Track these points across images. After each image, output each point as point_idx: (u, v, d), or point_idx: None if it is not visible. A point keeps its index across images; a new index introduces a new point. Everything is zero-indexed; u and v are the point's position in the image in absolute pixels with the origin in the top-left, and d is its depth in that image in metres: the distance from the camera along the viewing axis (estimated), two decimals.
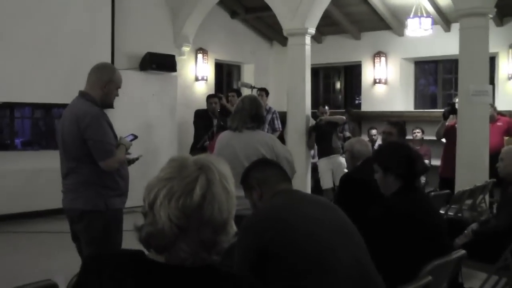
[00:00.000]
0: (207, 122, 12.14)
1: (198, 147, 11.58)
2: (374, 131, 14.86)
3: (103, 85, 5.21)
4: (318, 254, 3.14)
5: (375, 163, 4.72)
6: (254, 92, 11.60)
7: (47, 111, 13.27)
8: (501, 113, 11.38)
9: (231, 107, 11.39)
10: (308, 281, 3.08)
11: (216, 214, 2.06)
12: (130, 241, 2.42)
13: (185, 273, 2.07)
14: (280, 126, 12.64)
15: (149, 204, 2.08)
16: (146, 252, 2.15)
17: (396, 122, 7.57)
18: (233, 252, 3.36)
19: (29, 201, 11.35)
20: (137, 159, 5.64)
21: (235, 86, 17.25)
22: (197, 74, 15.95)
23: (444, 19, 14.70)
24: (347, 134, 13.76)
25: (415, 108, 16.35)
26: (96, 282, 2.10)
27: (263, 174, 3.78)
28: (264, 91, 12.60)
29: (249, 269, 3.17)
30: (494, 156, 9.07)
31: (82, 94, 5.26)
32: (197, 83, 15.97)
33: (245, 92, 13.26)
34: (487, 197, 9.29)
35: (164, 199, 2.04)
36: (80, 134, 5.02)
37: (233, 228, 2.16)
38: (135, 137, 5.67)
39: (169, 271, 2.07)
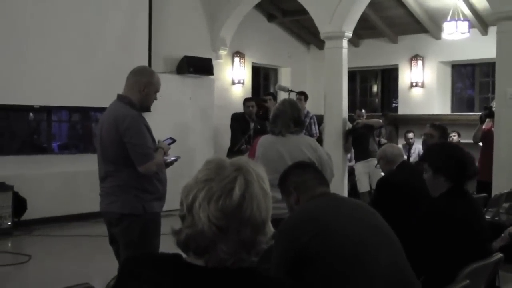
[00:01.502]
0: (244, 126, 12.12)
1: (235, 150, 11.56)
2: (411, 135, 14.75)
3: (142, 88, 5.21)
4: (356, 257, 3.13)
5: (425, 162, 4.65)
6: (292, 95, 11.55)
7: (84, 115, 13.35)
8: None
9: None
10: (346, 285, 3.07)
11: (256, 214, 2.06)
12: (167, 245, 2.43)
13: (225, 276, 2.07)
14: (317, 131, 12.62)
15: (188, 207, 2.08)
16: (183, 255, 2.16)
17: (438, 125, 7.50)
18: (270, 256, 3.37)
19: (66, 205, 11.45)
20: (175, 160, 5.64)
21: (271, 90, 17.27)
22: (234, 78, 15.98)
23: (481, 22, 14.61)
24: (383, 140, 13.65)
25: (452, 112, 16.28)
26: (134, 285, 2.11)
27: (301, 178, 3.77)
28: (303, 95, 12.57)
29: (287, 272, 3.17)
30: None
31: (120, 98, 5.27)
32: (234, 86, 16.00)
33: (282, 95, 13.23)
34: None
35: (203, 201, 2.04)
36: (118, 138, 5.03)
37: (271, 228, 2.17)
38: (174, 140, 5.68)
39: (209, 274, 2.07)
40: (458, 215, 4.16)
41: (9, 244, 10.12)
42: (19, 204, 10.74)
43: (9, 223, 10.50)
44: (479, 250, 4.07)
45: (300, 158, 5.38)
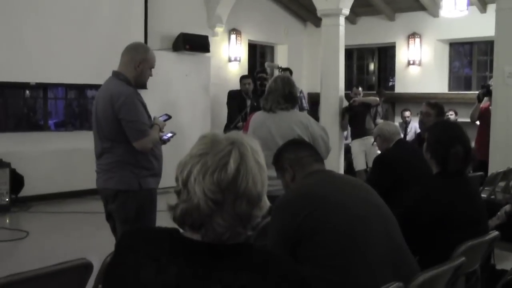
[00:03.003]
0: (241, 103, 12.12)
1: (231, 127, 11.56)
2: (407, 113, 14.81)
3: (137, 65, 5.20)
4: (353, 234, 3.14)
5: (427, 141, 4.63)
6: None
7: (81, 92, 13.32)
8: None
9: None
10: (342, 260, 3.08)
11: (251, 187, 2.06)
12: (163, 221, 2.43)
13: (222, 250, 2.08)
14: (307, 105, 12.63)
15: (183, 182, 2.08)
16: (181, 230, 2.16)
17: (435, 103, 7.48)
18: (267, 233, 3.37)
19: (63, 182, 11.46)
20: (171, 137, 5.64)
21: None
22: (230, 55, 15.94)
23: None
24: (379, 120, 13.66)
25: (449, 90, 16.25)
26: (131, 259, 2.11)
27: (296, 155, 3.75)
28: (287, 71, 12.56)
29: (283, 249, 3.17)
30: None
31: (115, 74, 5.26)
32: (230, 64, 15.97)
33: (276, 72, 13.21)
34: None
35: (198, 175, 2.03)
36: (114, 114, 5.02)
37: (267, 203, 2.16)
38: (169, 117, 5.68)
39: (206, 248, 2.07)
40: (446, 198, 4.15)
41: (7, 221, 10.13)
42: (17, 180, 10.77)
43: (7, 199, 10.53)
44: (470, 230, 4.06)
45: (289, 135, 5.36)
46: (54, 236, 9.05)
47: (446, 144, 4.33)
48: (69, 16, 11.61)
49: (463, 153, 4.31)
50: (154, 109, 5.88)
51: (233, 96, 12.57)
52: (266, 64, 13.96)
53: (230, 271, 2.03)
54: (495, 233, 4.21)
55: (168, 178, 4.36)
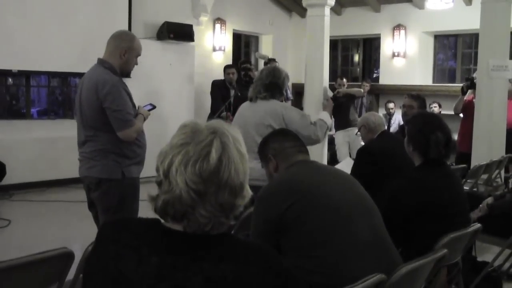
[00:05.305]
0: (225, 93, 12.13)
1: (215, 117, 11.54)
2: (391, 105, 14.81)
3: (122, 53, 5.17)
4: (335, 224, 3.14)
5: (407, 135, 4.65)
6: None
7: (64, 80, 13.20)
8: None
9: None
10: (324, 251, 3.08)
11: (233, 177, 2.05)
12: (146, 211, 2.41)
13: (204, 241, 2.06)
14: (291, 95, 12.66)
15: (164, 172, 2.06)
16: (162, 221, 2.14)
17: (417, 96, 7.49)
18: (249, 223, 3.37)
19: (45, 170, 11.38)
20: (151, 109, 5.60)
21: (253, 58, 17.25)
22: (214, 45, 15.88)
23: None
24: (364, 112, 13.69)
25: (433, 82, 16.29)
26: (112, 250, 2.10)
27: (280, 145, 3.75)
28: (273, 61, 12.57)
29: (266, 239, 3.17)
30: (511, 132, 9.05)
31: (100, 62, 5.22)
32: (214, 53, 15.91)
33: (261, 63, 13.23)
34: (502, 172, 9.38)
35: (180, 165, 2.02)
36: (98, 103, 5.00)
37: (249, 192, 2.15)
38: (154, 107, 5.67)
39: (187, 239, 2.06)
40: (428, 190, 4.16)
41: None
42: None
43: None
44: (452, 223, 4.07)
45: (261, 124, 5.49)
46: (36, 224, 9.00)
47: (427, 131, 4.35)
48: (53, 3, 11.51)
49: (444, 140, 4.32)
50: (138, 98, 5.84)
51: (217, 86, 12.58)
52: (256, 54, 13.97)
53: (212, 262, 2.02)
54: (477, 225, 4.24)
55: (150, 167, 4.35)
